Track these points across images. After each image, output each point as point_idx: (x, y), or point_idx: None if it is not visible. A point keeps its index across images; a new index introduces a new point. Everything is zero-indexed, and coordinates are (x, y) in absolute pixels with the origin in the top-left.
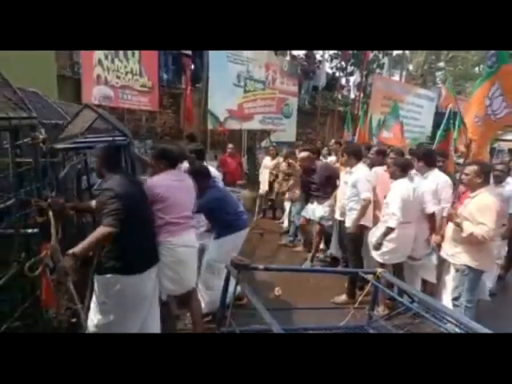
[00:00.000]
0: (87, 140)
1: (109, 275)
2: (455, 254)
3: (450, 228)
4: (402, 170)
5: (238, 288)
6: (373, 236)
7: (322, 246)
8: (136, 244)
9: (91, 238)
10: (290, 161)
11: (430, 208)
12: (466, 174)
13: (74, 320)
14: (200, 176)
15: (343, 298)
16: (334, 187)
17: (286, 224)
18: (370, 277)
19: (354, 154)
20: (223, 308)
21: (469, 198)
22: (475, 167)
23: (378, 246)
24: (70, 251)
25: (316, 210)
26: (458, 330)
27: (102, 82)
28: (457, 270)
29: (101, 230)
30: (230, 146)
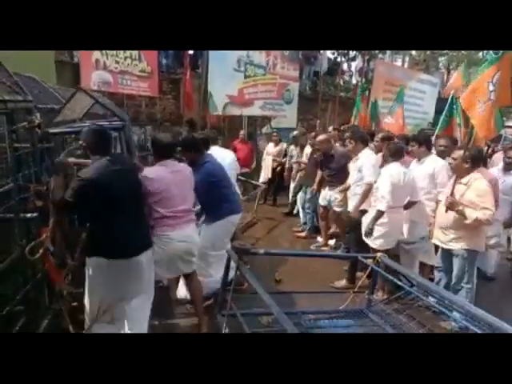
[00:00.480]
0: (82, 125)
1: (91, 258)
2: (452, 241)
3: (441, 215)
4: (392, 154)
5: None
6: (365, 222)
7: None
8: (116, 230)
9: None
10: (315, 146)
11: (417, 196)
12: (454, 159)
13: (75, 304)
14: (191, 149)
15: (343, 282)
16: (348, 175)
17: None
18: (369, 261)
19: (361, 140)
20: (224, 292)
21: (461, 185)
22: (462, 152)
23: (369, 231)
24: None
25: (328, 196)
26: (456, 314)
27: (101, 66)
28: (455, 256)
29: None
30: (242, 132)
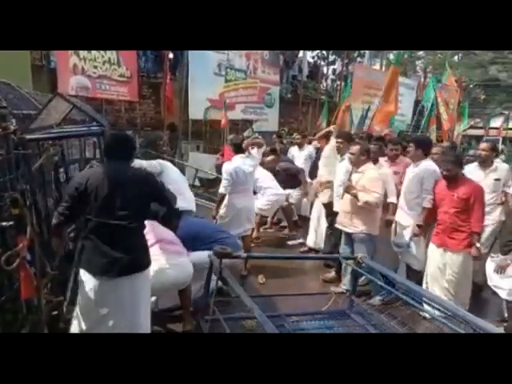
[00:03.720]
0: (59, 131)
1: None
2: (352, 224)
3: (344, 201)
4: (367, 155)
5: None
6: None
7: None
8: (96, 245)
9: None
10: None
11: (390, 198)
12: (352, 154)
13: (55, 313)
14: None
15: (332, 274)
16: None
17: None
18: (350, 262)
19: (347, 140)
20: (207, 297)
21: (358, 173)
22: (358, 147)
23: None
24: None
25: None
26: (436, 313)
27: (79, 71)
28: (354, 239)
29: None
30: (230, 136)
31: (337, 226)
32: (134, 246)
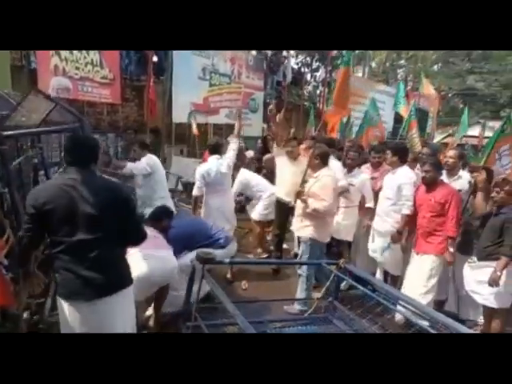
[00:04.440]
0: (37, 130)
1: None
2: (301, 228)
3: (297, 205)
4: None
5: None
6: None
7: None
8: (66, 266)
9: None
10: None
11: (368, 203)
12: (310, 157)
13: (35, 317)
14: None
15: None
16: None
17: None
18: (332, 267)
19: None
20: (189, 303)
21: (313, 178)
22: (316, 151)
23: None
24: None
25: None
26: (413, 317)
27: (60, 72)
28: (302, 242)
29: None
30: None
31: (291, 228)
32: (108, 264)
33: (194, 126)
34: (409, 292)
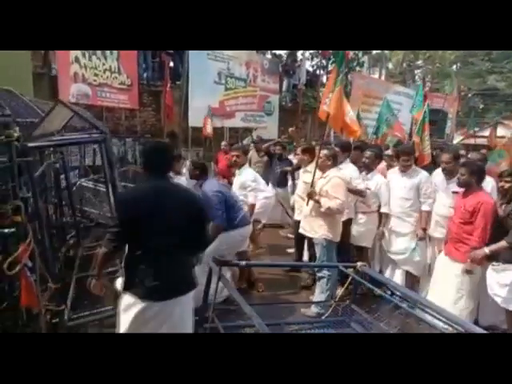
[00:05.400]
0: (61, 138)
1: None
2: (312, 229)
3: (307, 207)
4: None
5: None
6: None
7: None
8: (140, 265)
9: (98, 260)
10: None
11: (383, 208)
12: (320, 157)
13: (55, 320)
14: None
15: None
16: None
17: None
18: (350, 270)
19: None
20: (206, 304)
21: (322, 179)
22: (326, 152)
23: None
24: (93, 277)
25: None
26: (434, 320)
27: (80, 79)
28: (316, 244)
29: (100, 252)
30: (223, 143)
31: (300, 231)
32: (184, 266)
33: (209, 126)
34: (439, 297)
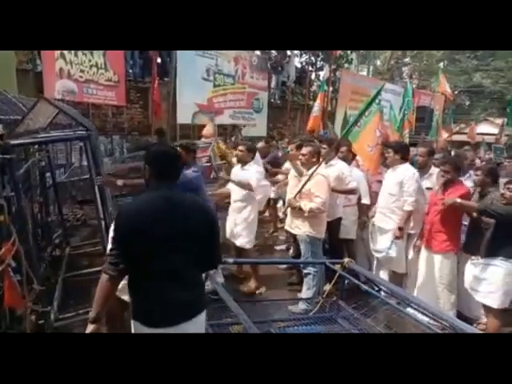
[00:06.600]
0: (45, 135)
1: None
2: (296, 226)
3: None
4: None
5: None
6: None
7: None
8: (146, 292)
9: (97, 293)
10: None
11: (363, 200)
12: (303, 155)
13: (41, 322)
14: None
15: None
16: None
17: None
18: (337, 267)
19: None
20: None
21: (306, 176)
22: (310, 148)
23: None
24: (90, 319)
25: None
26: (419, 316)
27: (65, 75)
28: (300, 241)
29: (101, 281)
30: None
31: (285, 227)
32: (196, 285)
33: (211, 127)
34: (425, 291)
